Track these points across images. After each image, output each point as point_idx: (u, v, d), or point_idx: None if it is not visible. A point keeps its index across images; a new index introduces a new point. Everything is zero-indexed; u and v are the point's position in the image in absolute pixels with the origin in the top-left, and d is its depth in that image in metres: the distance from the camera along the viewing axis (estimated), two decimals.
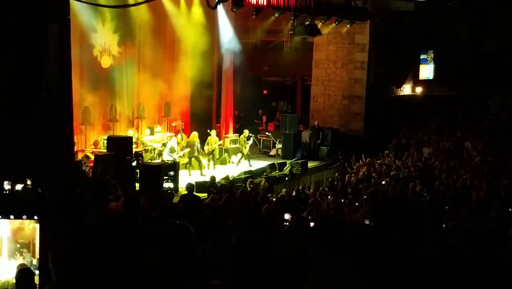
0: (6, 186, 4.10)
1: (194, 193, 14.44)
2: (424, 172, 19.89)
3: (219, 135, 23.94)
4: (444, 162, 21.13)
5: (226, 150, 22.91)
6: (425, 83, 32.88)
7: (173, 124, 22.99)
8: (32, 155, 12.05)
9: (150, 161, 19.12)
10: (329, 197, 16.47)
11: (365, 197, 14.94)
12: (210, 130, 21.96)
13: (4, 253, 3.95)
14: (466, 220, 11.66)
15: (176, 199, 14.99)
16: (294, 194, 16.82)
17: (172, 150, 19.39)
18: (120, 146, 17.38)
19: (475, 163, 20.75)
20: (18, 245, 3.93)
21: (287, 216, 10.58)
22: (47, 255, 3.73)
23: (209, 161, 21.31)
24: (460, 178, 18.20)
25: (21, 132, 12.09)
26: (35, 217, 3.99)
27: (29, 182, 7.15)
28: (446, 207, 13.83)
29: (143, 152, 19.58)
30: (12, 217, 3.90)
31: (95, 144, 19.78)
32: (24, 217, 3.93)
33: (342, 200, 15.10)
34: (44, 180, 9.18)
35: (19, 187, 4.23)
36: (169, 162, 18.37)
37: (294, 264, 5.13)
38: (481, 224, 11.33)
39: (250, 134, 22.73)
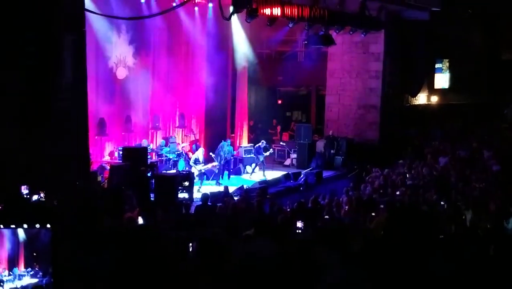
0: (24, 190, 4.14)
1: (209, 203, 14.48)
2: (440, 181, 19.76)
3: (233, 145, 23.96)
4: (460, 171, 21.00)
5: (241, 160, 22.89)
6: (441, 92, 32.75)
7: (188, 134, 23.03)
8: (47, 166, 12.11)
9: (165, 171, 19.17)
10: (345, 207, 16.40)
11: (381, 206, 14.86)
12: (225, 140, 21.98)
13: (21, 260, 3.99)
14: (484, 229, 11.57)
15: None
16: (309, 204, 16.76)
17: (196, 161, 19.63)
18: (135, 156, 17.42)
19: (491, 172, 20.62)
20: (35, 254, 3.96)
21: (299, 224, 10.54)
22: (59, 262, 3.77)
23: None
24: (477, 187, 18.09)
25: (36, 143, 12.17)
26: (48, 226, 4.00)
27: (42, 194, 7.17)
28: (464, 217, 13.71)
29: (158, 162, 19.63)
30: (25, 226, 3.92)
31: (111, 155, 19.87)
32: (37, 225, 3.94)
33: (358, 210, 15.02)
34: (58, 191, 9.23)
35: (34, 197, 4.25)
36: (184, 172, 18.41)
37: (308, 273, 5.12)
38: (500, 232, 11.23)
39: (266, 145, 22.72)
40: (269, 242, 5.82)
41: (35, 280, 4.06)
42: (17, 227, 3.97)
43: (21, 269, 4.03)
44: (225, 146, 21.07)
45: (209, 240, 4.20)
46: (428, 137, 27.86)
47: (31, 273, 4.01)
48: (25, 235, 4.06)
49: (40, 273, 4.06)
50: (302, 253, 5.67)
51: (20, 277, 4.08)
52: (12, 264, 4.00)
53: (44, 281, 4.03)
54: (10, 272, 4.00)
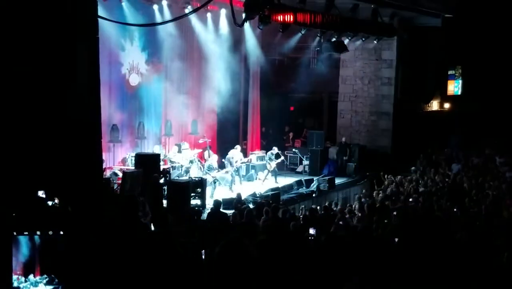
0: (42, 195, 4.17)
1: (221, 209, 14.49)
2: (453, 188, 19.70)
3: (246, 151, 23.94)
4: (473, 178, 20.92)
5: (253, 166, 22.88)
6: (453, 99, 32.65)
7: (200, 141, 23.04)
8: (60, 172, 12.16)
9: (177, 177, 19.19)
10: (358, 214, 16.37)
11: (394, 213, 14.82)
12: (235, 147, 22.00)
13: (37, 267, 4.01)
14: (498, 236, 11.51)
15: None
16: (322, 210, 16.74)
17: (210, 168, 19.62)
18: (148, 163, 17.45)
19: (504, 179, 20.52)
20: (51, 261, 3.97)
21: (312, 231, 10.54)
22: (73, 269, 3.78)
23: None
24: (490, 194, 18.00)
25: (50, 149, 12.21)
26: (61, 232, 4.02)
27: (57, 200, 7.18)
28: (477, 224, 13.65)
29: (171, 169, 19.65)
30: (38, 233, 3.93)
31: (123, 161, 19.91)
32: (50, 232, 3.95)
33: (370, 216, 14.98)
34: (72, 197, 9.26)
35: (49, 203, 4.28)
36: (197, 178, 18.42)
37: (322, 280, 5.10)
38: None
39: (278, 152, 22.69)
40: (283, 248, 5.81)
41: (50, 287, 4.07)
42: (30, 234, 3.98)
43: (37, 275, 4.05)
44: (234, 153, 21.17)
45: (233, 245, 4.17)
46: (441, 144, 27.76)
47: (47, 280, 4.02)
48: (41, 241, 4.08)
49: (56, 280, 4.07)
50: (316, 259, 5.66)
51: (36, 284, 4.10)
52: (28, 270, 4.02)
53: (60, 288, 4.05)
54: (26, 279, 4.02)
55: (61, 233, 4.07)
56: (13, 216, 6.57)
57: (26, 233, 4.06)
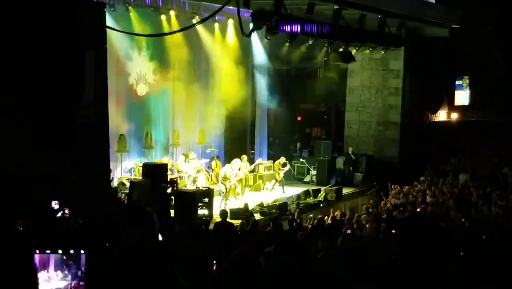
0: (55, 205, 4.22)
1: (228, 219, 14.48)
2: (461, 198, 19.62)
3: (253, 161, 23.94)
4: (480, 189, 20.84)
5: (260, 176, 22.86)
6: (461, 109, 32.59)
7: (207, 151, 23.05)
8: (68, 182, 12.18)
9: (184, 187, 19.19)
10: (366, 224, 16.32)
11: (401, 223, 14.74)
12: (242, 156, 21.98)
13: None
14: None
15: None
16: (329, 220, 16.71)
17: (224, 178, 19.60)
18: (155, 173, 17.48)
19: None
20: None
21: (321, 243, 10.53)
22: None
23: (243, 186, 21.31)
24: (497, 204, 17.94)
25: (58, 159, 12.24)
26: (82, 251, 4.06)
27: (67, 211, 7.21)
28: (484, 236, 13.57)
29: (178, 178, 19.66)
30: (60, 251, 3.97)
31: (131, 171, 19.94)
32: (72, 251, 3.99)
33: (378, 227, 14.93)
34: (81, 207, 9.29)
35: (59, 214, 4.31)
36: (204, 188, 18.41)
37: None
38: None
39: (285, 162, 22.68)
40: (290, 259, 5.81)
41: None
42: (52, 252, 4.03)
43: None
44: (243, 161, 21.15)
45: (242, 258, 4.19)
46: (448, 154, 27.66)
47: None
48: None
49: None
50: (324, 270, 5.65)
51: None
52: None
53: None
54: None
55: (82, 252, 4.11)
56: (35, 236, 6.57)
57: (49, 251, 4.10)
